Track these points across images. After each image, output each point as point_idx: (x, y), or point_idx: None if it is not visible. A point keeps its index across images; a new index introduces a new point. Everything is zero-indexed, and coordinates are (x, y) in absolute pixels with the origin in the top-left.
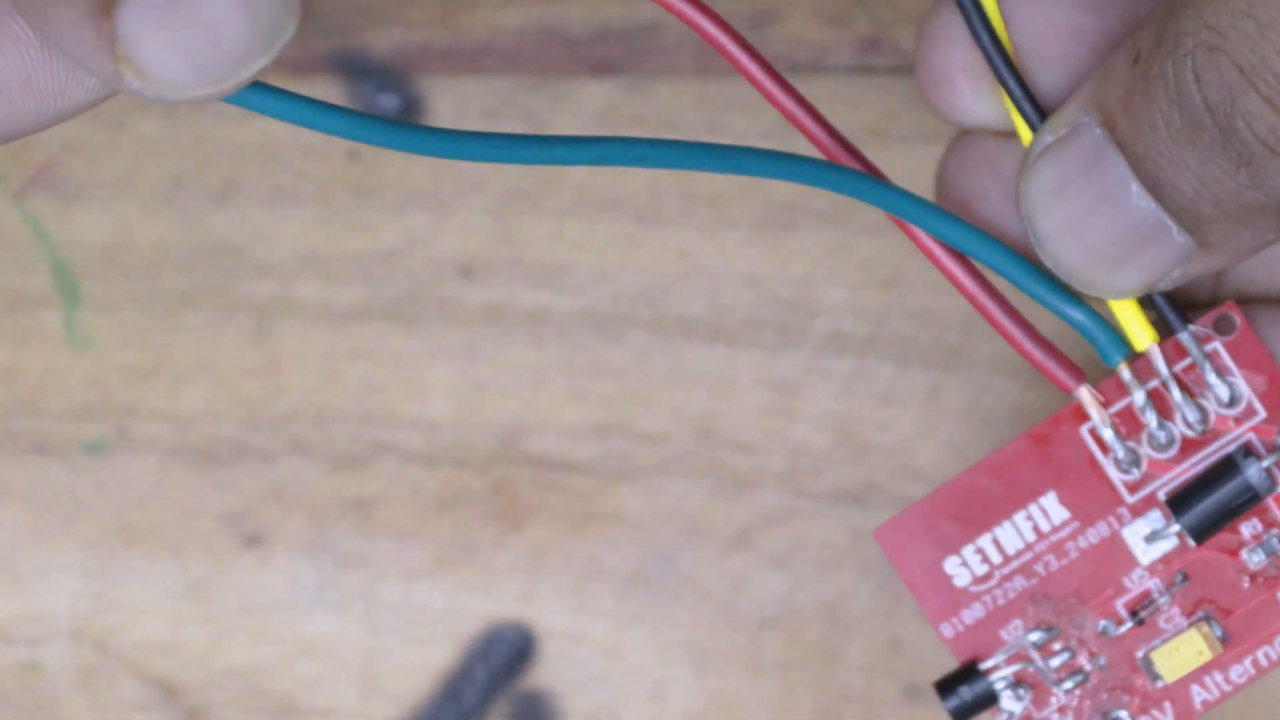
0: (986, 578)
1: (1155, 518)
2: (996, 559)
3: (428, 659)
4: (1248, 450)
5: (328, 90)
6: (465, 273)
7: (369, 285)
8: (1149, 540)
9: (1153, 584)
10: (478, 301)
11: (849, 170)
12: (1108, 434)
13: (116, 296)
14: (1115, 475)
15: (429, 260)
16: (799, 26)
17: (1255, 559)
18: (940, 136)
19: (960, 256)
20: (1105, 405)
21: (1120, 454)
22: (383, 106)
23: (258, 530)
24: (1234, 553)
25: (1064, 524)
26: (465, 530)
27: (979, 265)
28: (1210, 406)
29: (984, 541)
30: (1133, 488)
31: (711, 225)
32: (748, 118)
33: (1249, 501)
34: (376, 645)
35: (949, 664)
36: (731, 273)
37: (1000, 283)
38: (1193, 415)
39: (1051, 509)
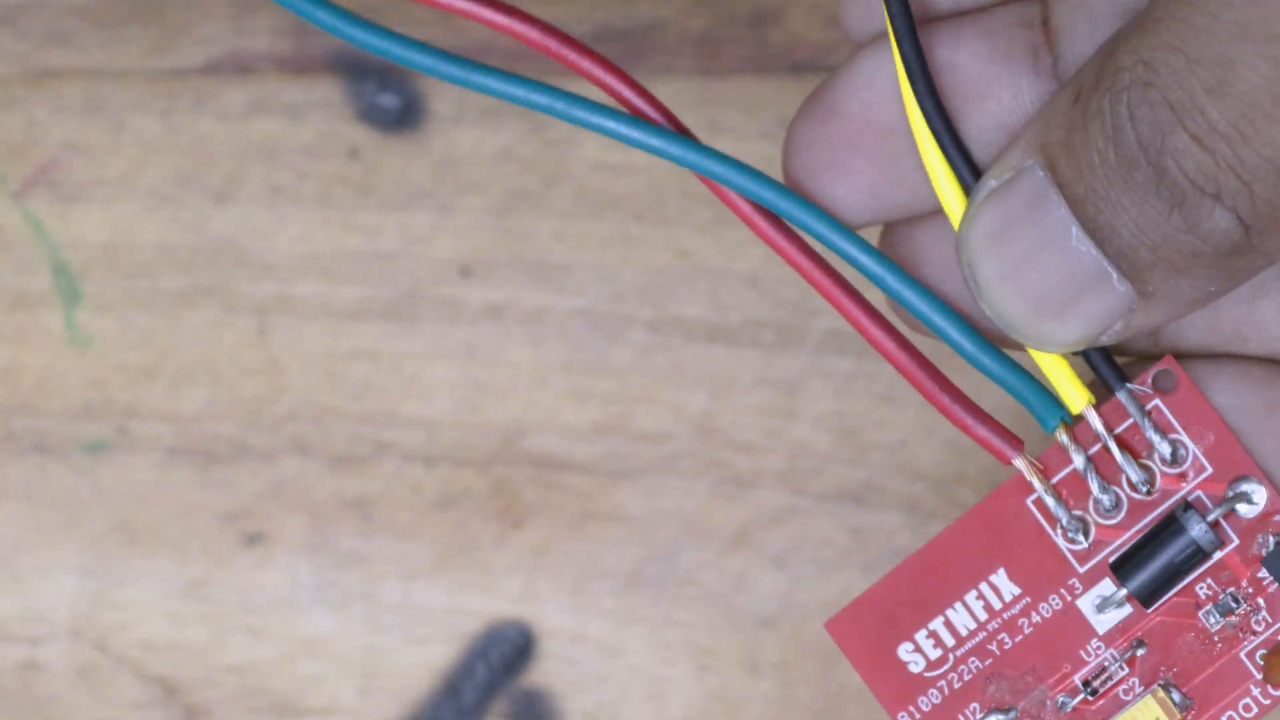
0: (941, 661)
1: (1108, 585)
2: (950, 642)
3: (427, 658)
4: (1189, 506)
5: (328, 90)
6: (465, 273)
7: (369, 285)
8: (1100, 609)
9: (1109, 654)
10: (478, 301)
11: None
12: (1051, 503)
13: (116, 296)
14: (1063, 545)
15: (429, 260)
16: (799, 26)
17: (1213, 620)
18: None
19: (884, 322)
20: (1047, 473)
21: (1066, 522)
22: (383, 106)
23: (258, 529)
24: (1191, 615)
25: (1015, 600)
26: (465, 529)
27: (902, 329)
28: (1155, 466)
29: (936, 625)
30: (1083, 557)
31: (711, 225)
32: (747, 116)
33: (1195, 559)
34: (376, 644)
35: None
36: (731, 272)
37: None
38: (1137, 476)
39: (1002, 585)
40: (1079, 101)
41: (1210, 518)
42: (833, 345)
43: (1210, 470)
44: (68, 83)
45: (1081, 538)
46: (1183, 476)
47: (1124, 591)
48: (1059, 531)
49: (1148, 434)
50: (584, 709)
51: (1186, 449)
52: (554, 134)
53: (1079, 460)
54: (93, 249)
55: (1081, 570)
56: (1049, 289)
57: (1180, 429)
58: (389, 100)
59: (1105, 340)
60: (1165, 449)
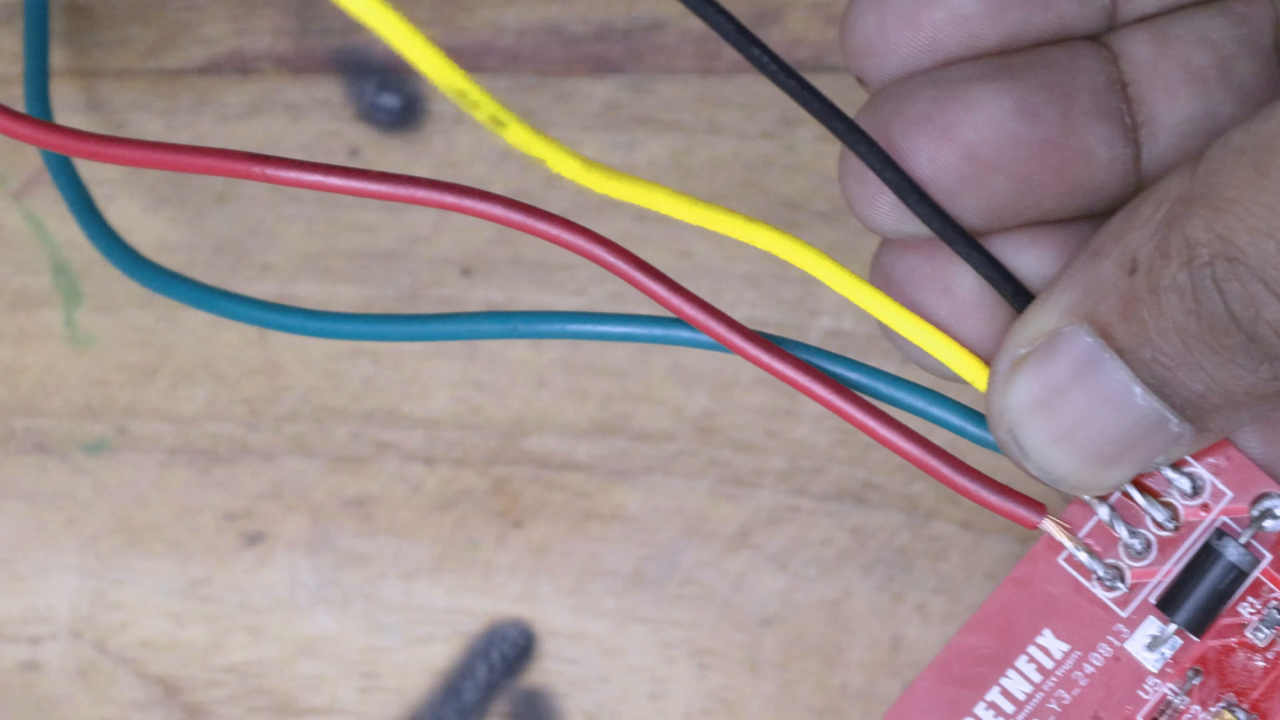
0: None
1: (1153, 624)
2: (1009, 709)
3: (428, 657)
4: (1222, 532)
5: (328, 90)
6: (465, 272)
7: (369, 285)
8: (1152, 647)
9: (1168, 688)
10: (478, 301)
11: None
12: (1083, 557)
13: (116, 296)
14: (1103, 594)
15: (429, 260)
16: (799, 26)
17: (1261, 635)
18: None
19: (885, 417)
20: (1073, 530)
21: (1101, 572)
22: (383, 106)
23: (258, 529)
24: (1239, 634)
25: (1066, 655)
26: (466, 529)
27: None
28: (1176, 501)
29: (994, 696)
30: (1123, 601)
31: None
32: (747, 116)
33: (1237, 581)
34: (377, 644)
35: None
36: (732, 272)
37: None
38: (1161, 515)
39: (1050, 645)
40: (1137, 272)
41: (1243, 539)
42: (833, 345)
43: (1230, 494)
44: (68, 82)
45: (1119, 583)
46: (1205, 506)
47: (1174, 626)
48: (1095, 582)
49: (1164, 472)
50: (584, 709)
51: (1204, 479)
52: (554, 133)
53: (1103, 511)
54: (93, 249)
55: (1124, 614)
56: (1105, 443)
57: (1194, 461)
58: (389, 100)
59: (1145, 470)
60: (1184, 483)
